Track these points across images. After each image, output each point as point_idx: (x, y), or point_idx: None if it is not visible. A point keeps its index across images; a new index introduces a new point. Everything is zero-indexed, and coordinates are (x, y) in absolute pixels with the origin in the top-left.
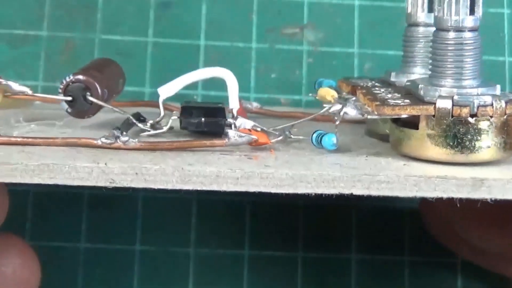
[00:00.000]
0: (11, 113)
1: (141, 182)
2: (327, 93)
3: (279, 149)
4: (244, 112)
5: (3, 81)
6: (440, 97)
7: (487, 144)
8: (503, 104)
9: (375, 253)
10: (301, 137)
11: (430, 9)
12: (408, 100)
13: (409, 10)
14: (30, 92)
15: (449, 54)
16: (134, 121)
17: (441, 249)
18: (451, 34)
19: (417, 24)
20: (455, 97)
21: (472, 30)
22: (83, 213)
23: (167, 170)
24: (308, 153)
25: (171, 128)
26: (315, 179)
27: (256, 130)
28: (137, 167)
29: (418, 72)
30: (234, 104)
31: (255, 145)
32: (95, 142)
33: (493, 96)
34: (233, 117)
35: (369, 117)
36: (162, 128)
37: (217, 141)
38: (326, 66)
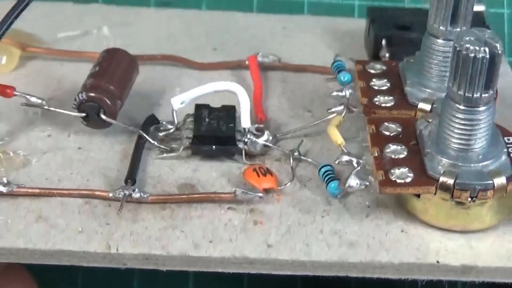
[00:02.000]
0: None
1: (150, 265)
2: (336, 138)
3: (285, 193)
4: (257, 70)
5: (20, 94)
6: (443, 174)
7: (484, 217)
8: (504, 181)
9: None
10: (310, 159)
11: (452, 23)
12: (411, 175)
13: (431, 22)
14: (46, 105)
15: (458, 126)
16: (148, 138)
17: None
18: (463, 108)
19: (437, 36)
20: (457, 181)
21: (485, 104)
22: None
23: (174, 256)
24: (312, 202)
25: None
26: (313, 265)
27: (266, 174)
28: (147, 254)
29: (433, 87)
30: (246, 123)
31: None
32: (109, 195)
33: (495, 172)
34: (245, 132)
35: (371, 191)
36: (177, 136)
37: (224, 196)
38: None
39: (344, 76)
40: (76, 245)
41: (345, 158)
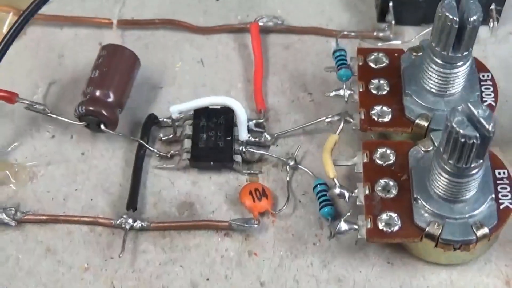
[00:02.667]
0: None
1: None
2: (329, 171)
3: (280, 215)
4: (260, 44)
5: (25, 101)
6: (429, 226)
7: (466, 257)
8: (487, 232)
9: None
10: (306, 169)
11: (454, 49)
12: (399, 223)
13: (433, 44)
14: (48, 112)
15: (446, 184)
16: (148, 147)
17: None
18: (452, 172)
19: (438, 57)
20: (441, 236)
21: (475, 169)
22: None
23: None
24: (305, 224)
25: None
26: None
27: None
28: None
29: (431, 101)
30: (243, 136)
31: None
32: (112, 223)
33: (479, 224)
34: (243, 143)
35: (359, 236)
36: (177, 138)
37: (221, 224)
38: None
39: (344, 76)
40: (83, 285)
41: (338, 191)
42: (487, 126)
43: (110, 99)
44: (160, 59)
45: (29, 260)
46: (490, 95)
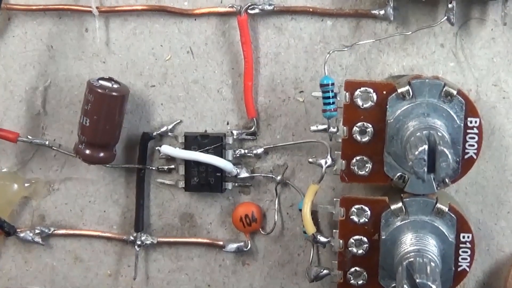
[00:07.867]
0: None
1: None
2: (308, 228)
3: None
4: (249, 43)
5: (26, 140)
6: None
7: None
8: None
9: None
10: (293, 185)
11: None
12: (365, 280)
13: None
14: (51, 145)
15: None
16: (146, 168)
17: None
18: None
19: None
20: None
21: None
22: None
23: None
24: (291, 237)
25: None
26: None
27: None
28: None
29: (409, 165)
30: (233, 173)
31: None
32: (124, 237)
33: None
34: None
35: (332, 282)
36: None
37: (216, 242)
38: None
39: (328, 117)
40: None
41: (316, 241)
42: None
43: (105, 144)
44: (148, 49)
45: (62, 267)
46: (473, 145)
